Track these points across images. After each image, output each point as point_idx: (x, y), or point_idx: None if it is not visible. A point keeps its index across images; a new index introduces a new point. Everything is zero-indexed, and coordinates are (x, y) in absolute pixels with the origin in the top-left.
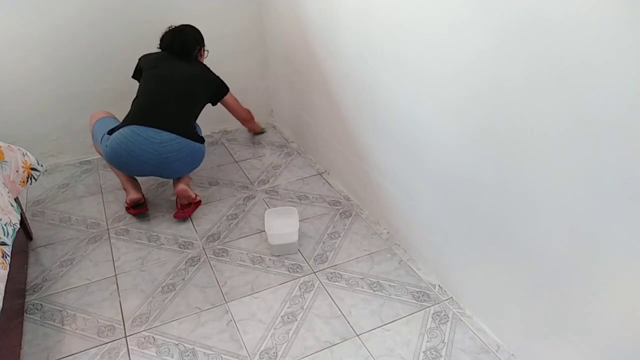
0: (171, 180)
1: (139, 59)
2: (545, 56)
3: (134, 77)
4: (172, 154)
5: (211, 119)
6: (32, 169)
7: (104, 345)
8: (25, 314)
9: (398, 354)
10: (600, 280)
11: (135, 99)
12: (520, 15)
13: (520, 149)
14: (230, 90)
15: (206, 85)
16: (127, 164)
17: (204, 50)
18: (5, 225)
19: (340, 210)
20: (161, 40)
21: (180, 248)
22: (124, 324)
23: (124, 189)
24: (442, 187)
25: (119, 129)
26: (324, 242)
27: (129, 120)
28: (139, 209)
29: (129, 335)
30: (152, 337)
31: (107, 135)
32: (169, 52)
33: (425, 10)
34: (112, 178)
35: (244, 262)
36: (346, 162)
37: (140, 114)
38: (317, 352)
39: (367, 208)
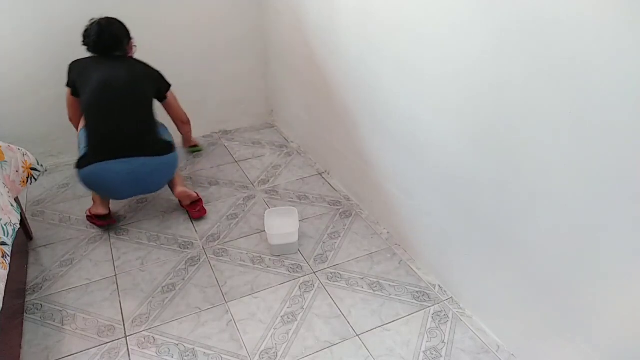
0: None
1: (71, 66)
2: (545, 56)
3: (68, 85)
4: (148, 177)
5: (211, 119)
6: (32, 169)
7: (104, 345)
8: (25, 314)
9: (398, 354)
10: (600, 280)
11: (86, 117)
12: (520, 15)
13: (520, 149)
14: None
15: (151, 83)
16: (107, 194)
17: (132, 44)
18: (5, 225)
19: (340, 210)
20: (87, 35)
21: (180, 248)
22: (124, 324)
23: (92, 199)
24: (442, 187)
25: (86, 162)
26: (324, 242)
27: (93, 154)
28: (104, 220)
29: (129, 335)
30: (152, 337)
31: (76, 168)
32: (99, 51)
33: (425, 10)
34: None
35: (244, 262)
36: (346, 162)
37: (101, 146)
38: (317, 352)
39: (367, 208)
